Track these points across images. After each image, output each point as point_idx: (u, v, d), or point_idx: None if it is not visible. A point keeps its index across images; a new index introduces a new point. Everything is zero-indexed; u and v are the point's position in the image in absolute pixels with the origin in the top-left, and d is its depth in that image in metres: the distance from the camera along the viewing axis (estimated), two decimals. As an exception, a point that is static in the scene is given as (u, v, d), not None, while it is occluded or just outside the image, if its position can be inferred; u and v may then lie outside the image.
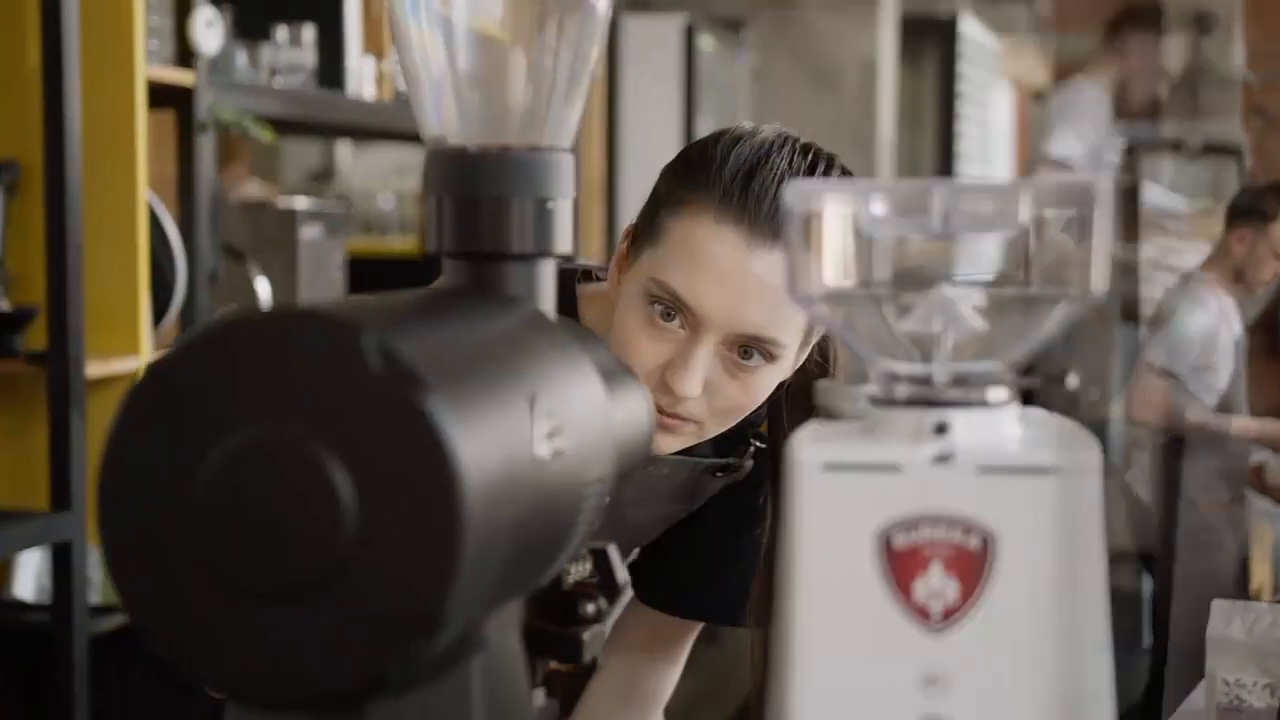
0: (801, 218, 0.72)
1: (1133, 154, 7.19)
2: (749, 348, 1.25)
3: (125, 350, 2.49)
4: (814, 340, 1.33)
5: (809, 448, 0.70)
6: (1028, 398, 0.75)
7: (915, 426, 0.70)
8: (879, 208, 0.72)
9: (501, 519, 0.64)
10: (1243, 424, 4.29)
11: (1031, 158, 4.47)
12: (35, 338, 2.40)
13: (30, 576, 2.56)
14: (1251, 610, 2.01)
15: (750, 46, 5.49)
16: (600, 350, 0.86)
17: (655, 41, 5.01)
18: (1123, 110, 4.58)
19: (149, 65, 2.55)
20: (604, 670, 1.39)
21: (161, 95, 2.62)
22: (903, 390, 0.72)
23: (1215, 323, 4.23)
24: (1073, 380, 0.75)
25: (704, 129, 5.77)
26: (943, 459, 0.69)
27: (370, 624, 0.61)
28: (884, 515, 0.69)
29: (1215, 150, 8.67)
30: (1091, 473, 0.69)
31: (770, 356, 1.25)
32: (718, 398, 1.26)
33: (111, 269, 2.48)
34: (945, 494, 0.69)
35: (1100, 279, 0.70)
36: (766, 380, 1.27)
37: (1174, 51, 4.58)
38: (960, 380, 0.72)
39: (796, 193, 0.72)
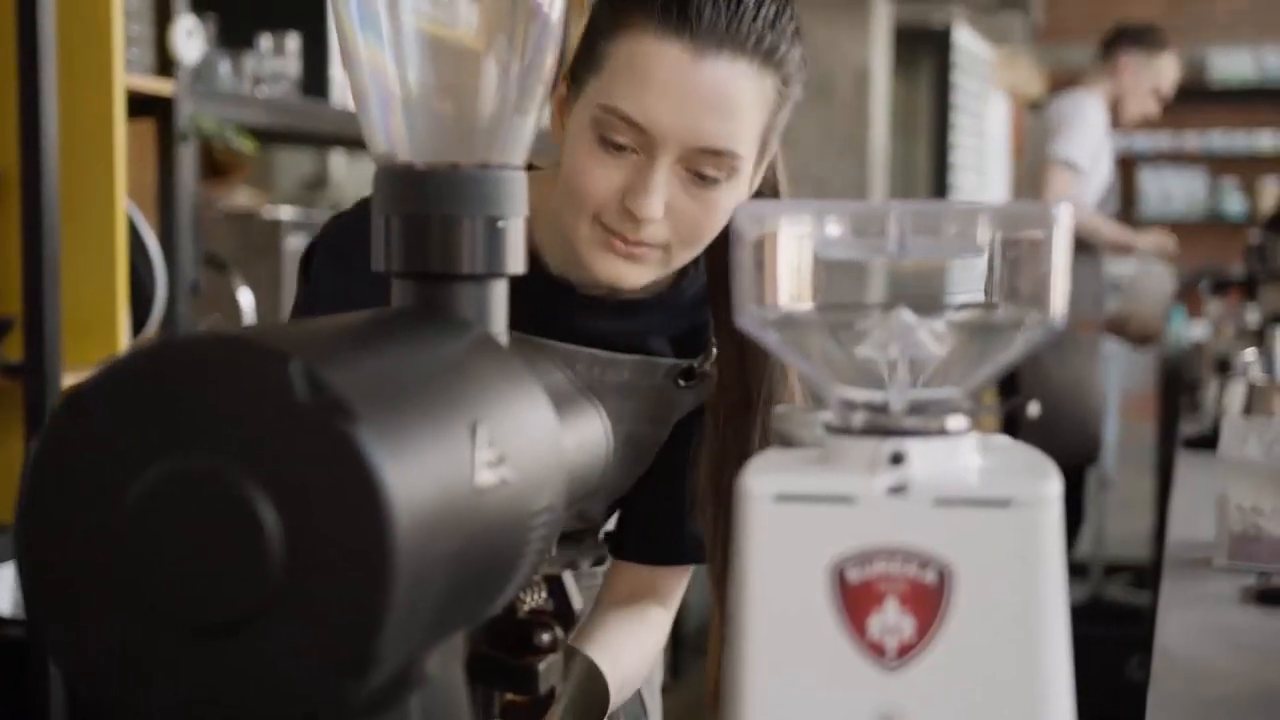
0: (754, 239, 0.69)
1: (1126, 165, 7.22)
2: (705, 171, 1.23)
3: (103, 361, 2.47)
4: (769, 156, 1.31)
5: (760, 478, 0.68)
6: (1010, 422, 0.72)
7: (871, 456, 0.68)
8: (834, 230, 0.70)
9: (437, 552, 0.62)
10: (1124, 233, 4.55)
11: (1031, 159, 4.48)
12: (12, 349, 2.37)
13: (7, 590, 2.54)
14: (1271, 427, 1.92)
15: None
16: (551, 374, 0.84)
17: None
18: (1116, 124, 4.62)
19: (129, 74, 2.52)
20: (581, 634, 1.36)
21: (142, 104, 2.60)
22: (859, 418, 0.70)
23: (1104, 127, 4.44)
24: (1033, 409, 0.73)
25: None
26: (898, 490, 0.67)
27: (300, 662, 0.59)
28: (837, 548, 0.67)
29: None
30: (1052, 504, 0.67)
31: (729, 171, 1.23)
32: (680, 221, 1.24)
33: (90, 279, 2.45)
34: (900, 527, 0.66)
35: (1060, 305, 0.67)
36: (727, 199, 1.25)
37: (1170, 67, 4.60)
38: (918, 407, 0.70)
39: (748, 215, 0.69)
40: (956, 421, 0.69)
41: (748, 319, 0.70)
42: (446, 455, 0.64)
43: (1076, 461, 4.41)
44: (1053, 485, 0.67)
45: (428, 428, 0.64)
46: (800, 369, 0.72)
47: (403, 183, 0.80)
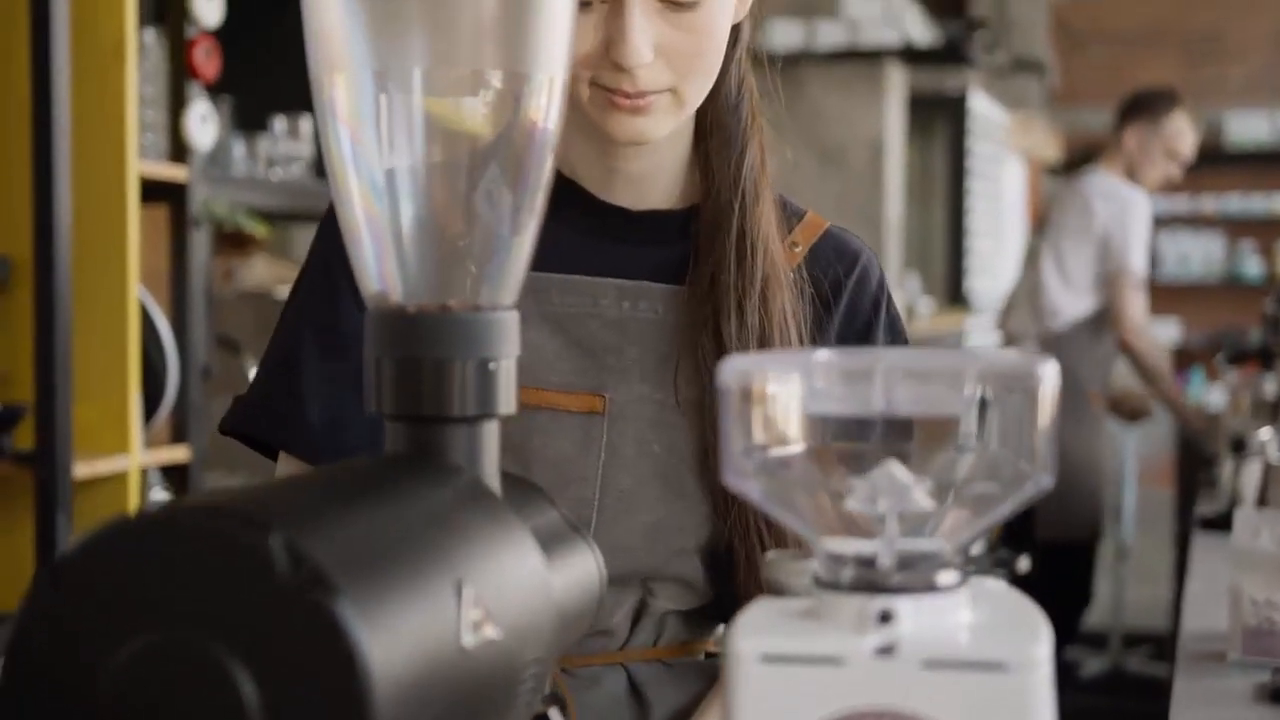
0: (738, 393, 0.69)
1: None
2: None
3: (115, 449, 2.47)
4: None
5: (748, 638, 0.67)
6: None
7: (859, 614, 0.67)
8: (819, 383, 0.69)
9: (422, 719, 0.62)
10: (1175, 389, 4.58)
11: (1100, 269, 4.42)
12: (23, 437, 2.38)
13: None
14: None
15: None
16: (543, 513, 0.83)
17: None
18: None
19: (143, 160, 2.54)
20: None
21: (155, 190, 2.61)
22: (847, 573, 0.69)
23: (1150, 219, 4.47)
24: (1023, 563, 0.72)
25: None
26: (886, 651, 0.66)
27: (280, 835, 0.59)
28: (825, 711, 0.66)
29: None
30: (1043, 666, 0.66)
31: None
32: (675, 56, 1.16)
33: (102, 366, 2.46)
34: (889, 689, 0.66)
35: (1047, 465, 0.67)
36: (715, 15, 1.17)
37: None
38: (907, 562, 0.69)
39: (733, 370, 0.69)
40: (946, 577, 0.69)
41: (732, 472, 0.70)
42: (431, 620, 0.64)
43: (1084, 534, 4.38)
44: (1044, 646, 0.66)
45: (412, 592, 0.63)
46: (787, 521, 0.71)
47: (394, 326, 0.80)
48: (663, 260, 1.27)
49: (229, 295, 3.18)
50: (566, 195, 1.27)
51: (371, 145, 0.80)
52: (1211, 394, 8.65)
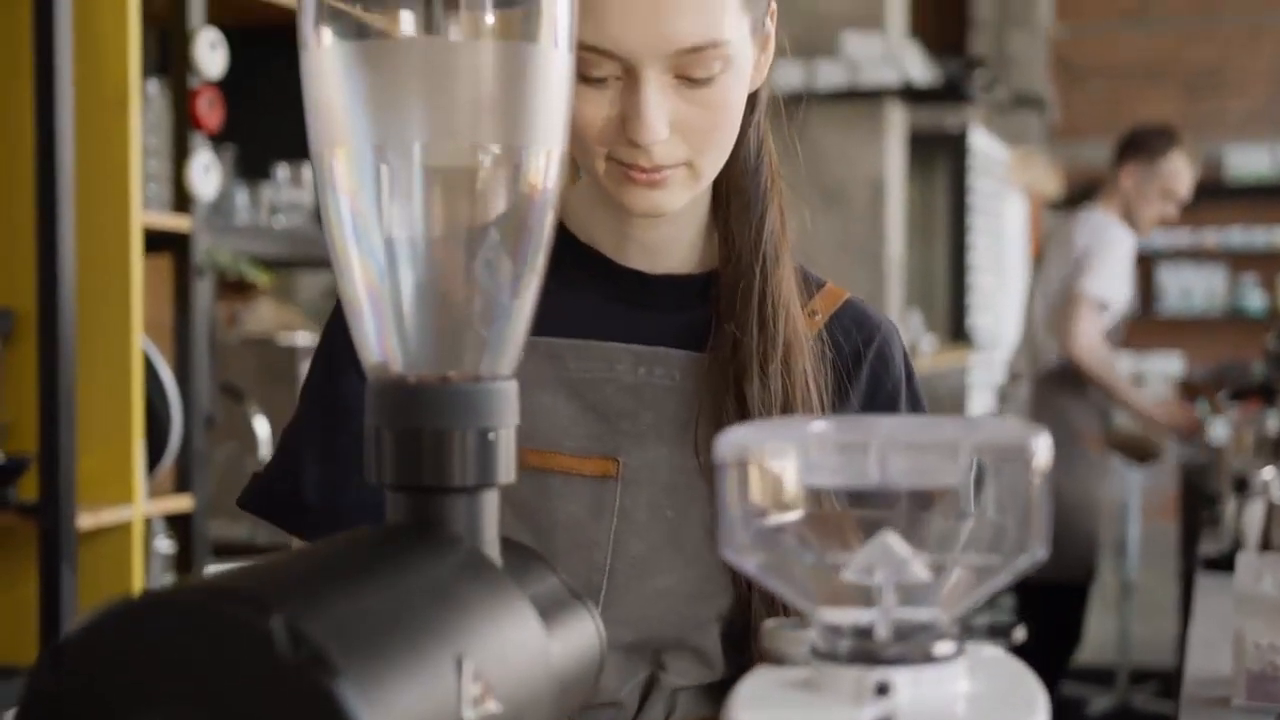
0: (735, 465, 0.70)
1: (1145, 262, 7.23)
2: (694, 73, 1.13)
3: (119, 499, 2.48)
4: (768, 18, 1.22)
5: (747, 710, 0.68)
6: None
7: (856, 685, 0.68)
8: (815, 455, 0.70)
9: (421, 797, 0.62)
10: (1139, 400, 4.56)
11: (1059, 288, 4.47)
12: (27, 488, 2.38)
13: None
14: None
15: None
16: (543, 580, 0.84)
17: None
18: (1137, 231, 4.63)
19: (146, 211, 2.55)
20: None
21: (159, 240, 2.63)
22: (844, 645, 0.70)
23: (1131, 253, 4.44)
24: (1019, 634, 0.73)
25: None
26: (884, 724, 0.67)
27: None
28: (823, 783, 0.66)
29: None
30: (1039, 737, 0.66)
31: (721, 62, 1.13)
32: (691, 131, 1.15)
33: (105, 417, 2.47)
34: (887, 761, 0.66)
35: (1042, 536, 0.68)
36: (731, 89, 1.16)
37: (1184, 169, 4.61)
38: (904, 632, 0.70)
39: (728, 445, 0.70)
40: (943, 647, 0.69)
41: (729, 544, 0.71)
42: (431, 697, 0.64)
43: (1079, 575, 4.35)
44: (1040, 717, 0.66)
45: (412, 670, 0.64)
46: (783, 593, 0.72)
47: (394, 396, 0.80)
48: (680, 325, 1.26)
49: (233, 341, 3.19)
50: (584, 260, 1.28)
51: (371, 217, 0.81)
52: (1215, 428, 8.65)
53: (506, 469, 0.81)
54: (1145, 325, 10.08)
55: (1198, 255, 9.96)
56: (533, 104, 0.80)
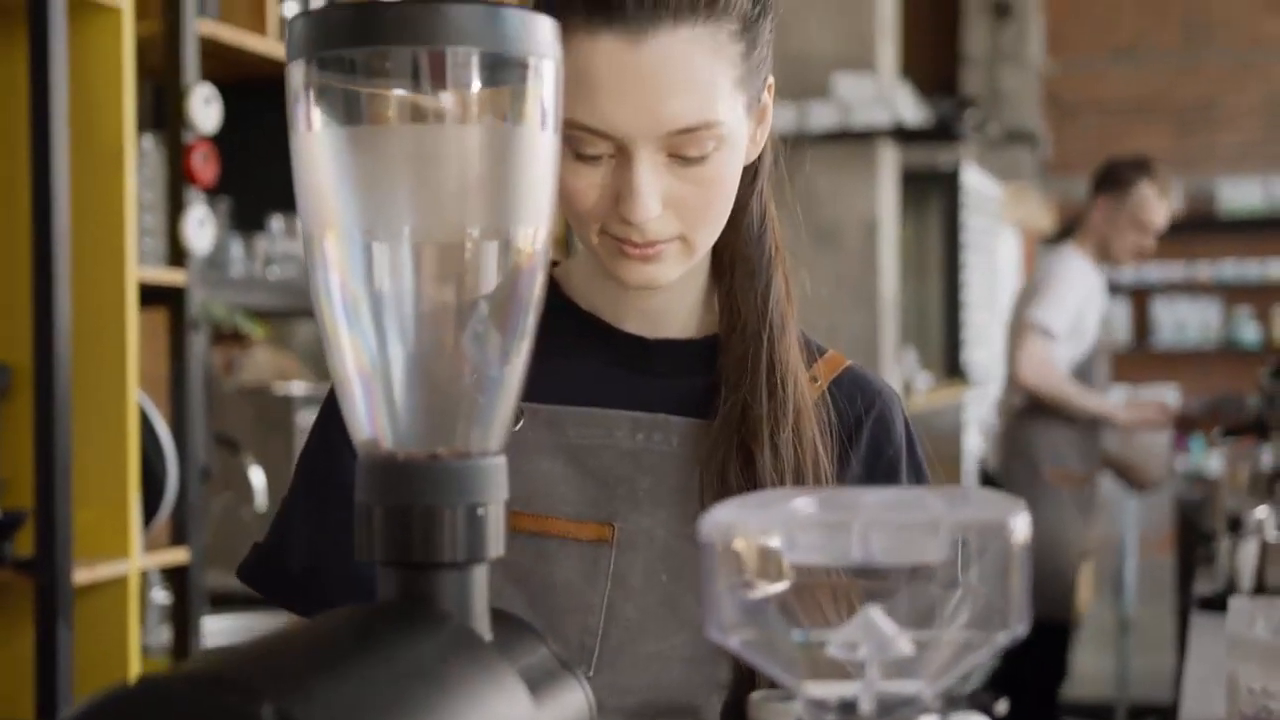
0: (722, 547, 0.71)
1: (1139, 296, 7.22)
2: (688, 152, 1.14)
3: (115, 554, 2.48)
4: (764, 96, 1.22)
5: (732, 787, 0.69)
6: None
7: (842, 761, 0.69)
8: (799, 536, 0.71)
9: None
10: (1111, 404, 4.51)
11: (1014, 318, 4.52)
12: (23, 543, 2.39)
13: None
14: (1276, 607, 1.88)
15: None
16: (533, 651, 0.85)
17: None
18: (1114, 263, 4.61)
19: (142, 266, 2.57)
20: None
21: (154, 294, 2.64)
22: (830, 719, 0.71)
23: (1091, 284, 4.41)
24: (1002, 706, 0.74)
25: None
26: (868, 799, 0.67)
27: None
28: None
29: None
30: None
31: (715, 141, 1.14)
32: (684, 208, 1.16)
33: (101, 472, 2.47)
34: (871, 838, 0.67)
35: (1021, 613, 0.69)
36: (725, 167, 1.17)
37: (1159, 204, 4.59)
38: (887, 707, 0.71)
39: (713, 524, 0.71)
40: (927, 721, 0.70)
41: (715, 622, 0.72)
42: (421, 779, 0.65)
43: (1056, 613, 4.32)
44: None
45: (402, 753, 0.65)
46: (768, 670, 0.73)
47: (384, 473, 0.82)
48: (680, 391, 1.27)
49: (229, 390, 3.20)
50: (584, 327, 1.29)
51: (361, 297, 0.82)
52: (1210, 461, 8.65)
53: (496, 543, 0.82)
54: (1140, 358, 10.09)
55: (1192, 288, 9.99)
56: (520, 185, 0.82)
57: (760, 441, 1.21)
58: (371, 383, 0.83)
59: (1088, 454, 4.49)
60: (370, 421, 0.83)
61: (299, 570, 1.25)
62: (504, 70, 0.81)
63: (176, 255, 2.67)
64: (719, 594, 0.72)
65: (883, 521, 0.71)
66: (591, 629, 1.21)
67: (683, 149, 1.14)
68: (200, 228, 2.67)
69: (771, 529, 0.71)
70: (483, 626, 0.82)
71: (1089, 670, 6.63)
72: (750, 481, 1.20)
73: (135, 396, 2.50)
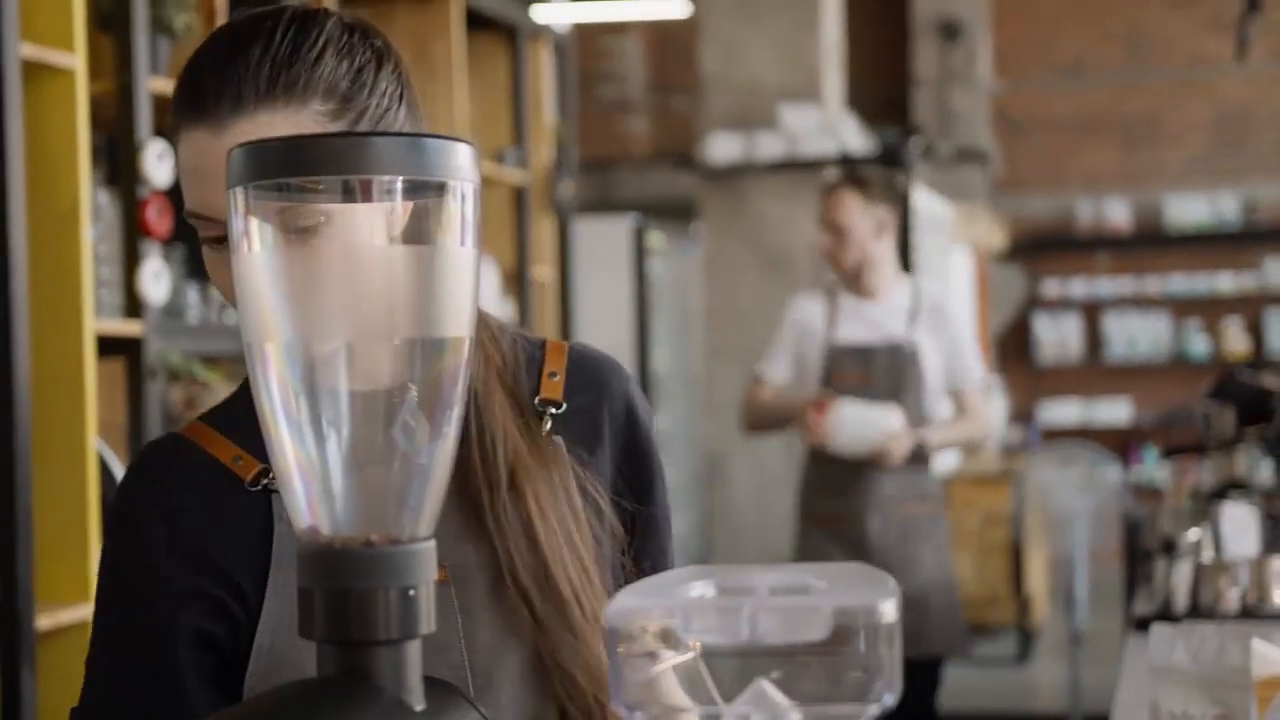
0: (624, 632, 0.79)
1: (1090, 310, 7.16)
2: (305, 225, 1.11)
3: (75, 599, 2.54)
4: None
5: None
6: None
7: (734, 823, 0.77)
8: (694, 620, 0.79)
9: None
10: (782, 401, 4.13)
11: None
12: (-15, 592, 2.45)
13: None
14: (1196, 633, 1.96)
15: (700, 238, 5.62)
16: (464, 714, 0.92)
17: (607, 241, 5.14)
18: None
19: (99, 318, 2.63)
20: None
21: (111, 345, 2.70)
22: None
23: (799, 322, 4.14)
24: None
25: (657, 321, 5.91)
26: None
27: None
28: None
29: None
30: None
31: (324, 216, 1.09)
32: None
33: (63, 519, 2.53)
34: None
35: (892, 687, 0.77)
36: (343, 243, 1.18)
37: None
38: (778, 773, 0.79)
39: (619, 610, 0.79)
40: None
41: (618, 699, 0.79)
42: None
43: (941, 650, 4.15)
44: None
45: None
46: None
47: (323, 560, 0.89)
48: None
49: (186, 431, 3.26)
50: None
51: (299, 398, 0.90)
52: (1160, 473, 8.78)
53: (427, 620, 0.90)
54: (1092, 372, 10.24)
55: (1141, 303, 10.14)
56: (443, 295, 0.90)
57: (484, 505, 1.26)
58: (309, 475, 0.91)
59: (921, 491, 4.19)
60: (309, 511, 0.91)
61: None
62: (425, 193, 0.89)
63: (133, 306, 2.74)
64: (620, 673, 0.80)
65: (769, 606, 0.79)
66: (458, 665, 1.25)
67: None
68: (156, 280, 2.74)
69: (669, 615, 0.79)
70: (416, 698, 0.89)
71: (1042, 682, 6.73)
72: (495, 529, 1.26)
73: (94, 445, 2.57)
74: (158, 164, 2.73)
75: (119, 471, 2.66)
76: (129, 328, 2.71)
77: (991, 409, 4.14)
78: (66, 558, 2.54)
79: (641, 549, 1.33)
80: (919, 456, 4.09)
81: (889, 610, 0.77)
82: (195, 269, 3.07)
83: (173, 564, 1.25)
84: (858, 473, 4.04)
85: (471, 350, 0.91)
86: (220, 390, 3.51)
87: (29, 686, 2.37)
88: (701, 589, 0.82)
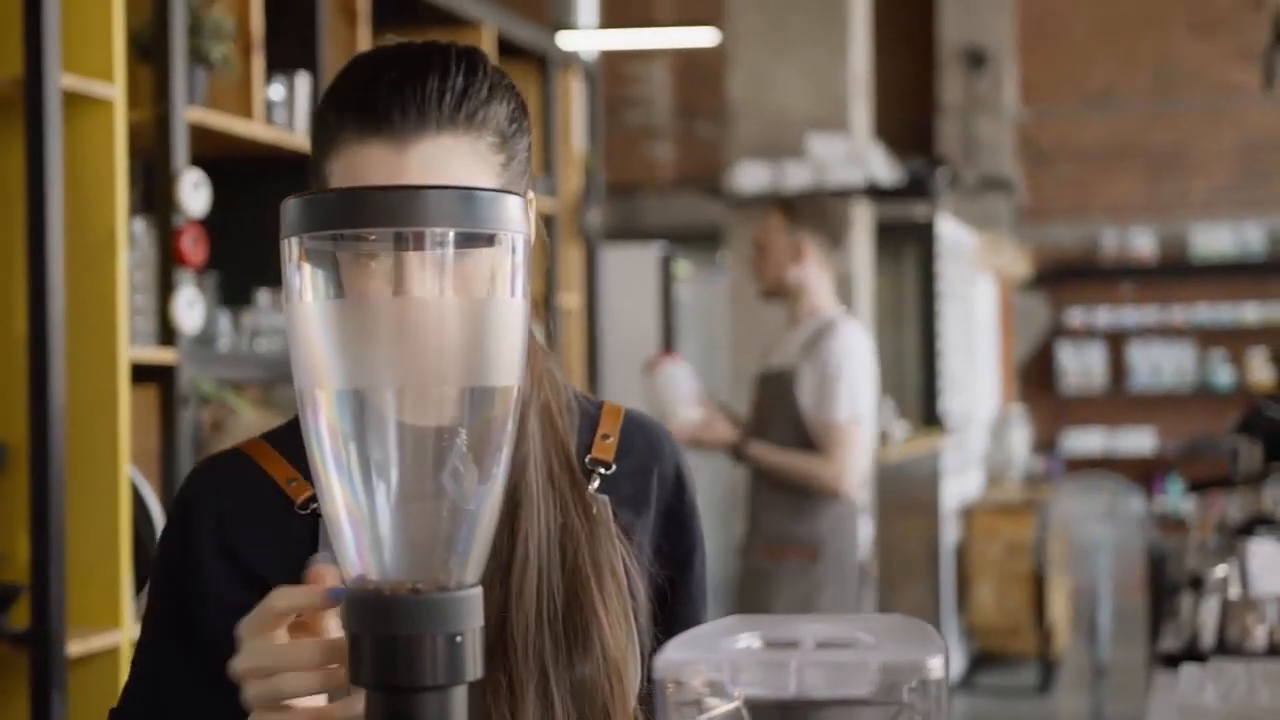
0: (672, 684, 0.80)
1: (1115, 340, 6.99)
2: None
3: (107, 625, 2.56)
4: (527, 200, 1.26)
5: None
6: None
7: None
8: (742, 673, 0.80)
9: None
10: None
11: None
12: (18, 616, 2.46)
13: None
14: (1226, 674, 1.96)
15: (726, 266, 5.64)
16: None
17: (634, 269, 5.15)
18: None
19: (133, 346, 2.65)
20: None
21: (145, 373, 2.72)
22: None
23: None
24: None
25: (684, 349, 5.91)
26: None
27: None
28: None
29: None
30: None
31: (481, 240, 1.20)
32: None
33: (94, 547, 2.55)
34: None
35: (940, 740, 0.77)
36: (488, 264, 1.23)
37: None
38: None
39: (667, 663, 0.80)
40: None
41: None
42: None
43: None
44: None
45: None
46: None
47: (371, 607, 0.90)
48: None
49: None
50: None
51: (350, 447, 0.91)
52: (1184, 504, 8.75)
53: (474, 667, 0.91)
54: (1116, 402, 10.20)
55: (1166, 332, 10.10)
56: (493, 346, 0.91)
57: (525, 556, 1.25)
58: (358, 522, 0.92)
59: (796, 533, 4.02)
60: (359, 559, 0.92)
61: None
62: (476, 245, 0.90)
63: (167, 334, 2.76)
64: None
65: (817, 660, 0.79)
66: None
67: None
68: (190, 308, 2.76)
69: (717, 668, 0.80)
70: (463, 750, 0.90)
71: (1063, 712, 6.71)
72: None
73: (127, 472, 2.58)
74: (193, 193, 2.76)
75: (151, 500, 2.68)
76: (163, 355, 2.73)
77: (852, 457, 3.82)
78: (98, 584, 2.55)
79: (674, 618, 1.33)
80: (762, 474, 3.93)
81: (937, 666, 0.78)
82: (228, 296, 3.09)
83: (217, 565, 1.27)
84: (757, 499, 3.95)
85: (519, 398, 0.92)
86: (247, 416, 3.53)
87: (59, 711, 2.39)
88: (747, 640, 0.83)
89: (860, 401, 3.92)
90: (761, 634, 0.84)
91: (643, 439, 1.37)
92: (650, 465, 1.36)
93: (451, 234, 0.89)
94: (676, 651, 0.81)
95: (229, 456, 1.32)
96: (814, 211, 4.07)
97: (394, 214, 0.88)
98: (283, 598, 1.01)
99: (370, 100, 1.20)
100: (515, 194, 0.91)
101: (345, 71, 1.25)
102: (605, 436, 1.35)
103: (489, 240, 0.90)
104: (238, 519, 1.28)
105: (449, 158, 1.21)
